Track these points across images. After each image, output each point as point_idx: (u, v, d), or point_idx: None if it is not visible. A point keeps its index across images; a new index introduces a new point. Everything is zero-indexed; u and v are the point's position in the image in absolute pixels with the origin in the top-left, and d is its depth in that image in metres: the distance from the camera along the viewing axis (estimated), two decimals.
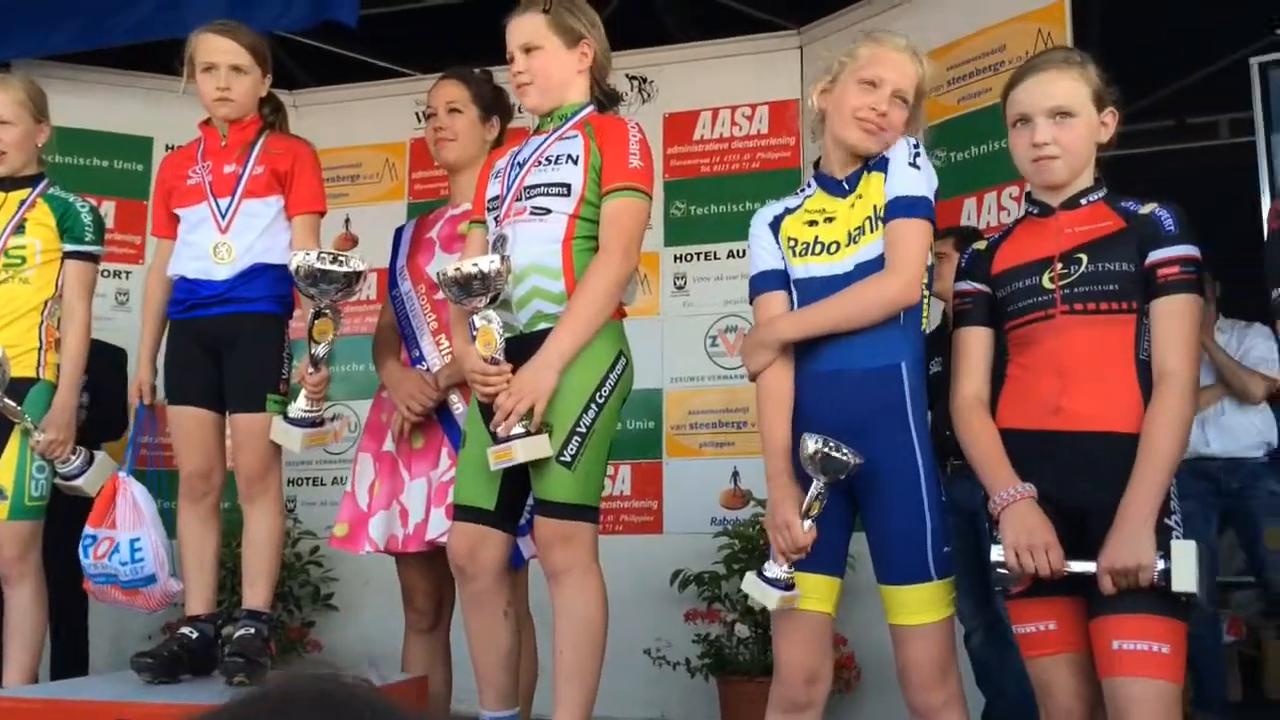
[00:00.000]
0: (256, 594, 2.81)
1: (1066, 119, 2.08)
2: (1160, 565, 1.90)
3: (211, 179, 2.85)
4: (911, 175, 2.15)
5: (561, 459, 2.34)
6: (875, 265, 2.16)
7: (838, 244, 2.20)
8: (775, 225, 2.30)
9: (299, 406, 2.62)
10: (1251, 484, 4.10)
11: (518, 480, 2.42)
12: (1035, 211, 2.17)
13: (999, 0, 4.26)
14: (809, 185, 2.32)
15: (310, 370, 2.61)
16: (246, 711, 0.69)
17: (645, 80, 5.05)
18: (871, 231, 2.17)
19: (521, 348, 2.39)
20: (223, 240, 2.81)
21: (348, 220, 5.30)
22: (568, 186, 2.43)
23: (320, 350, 2.54)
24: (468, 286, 2.31)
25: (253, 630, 2.74)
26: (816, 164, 2.39)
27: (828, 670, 2.23)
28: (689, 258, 5.06)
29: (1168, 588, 1.91)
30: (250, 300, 2.81)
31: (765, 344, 2.21)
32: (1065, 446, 2.03)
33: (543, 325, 2.41)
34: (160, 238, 2.99)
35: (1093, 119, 2.10)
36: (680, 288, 5.11)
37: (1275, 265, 1.97)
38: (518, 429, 2.29)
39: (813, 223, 2.25)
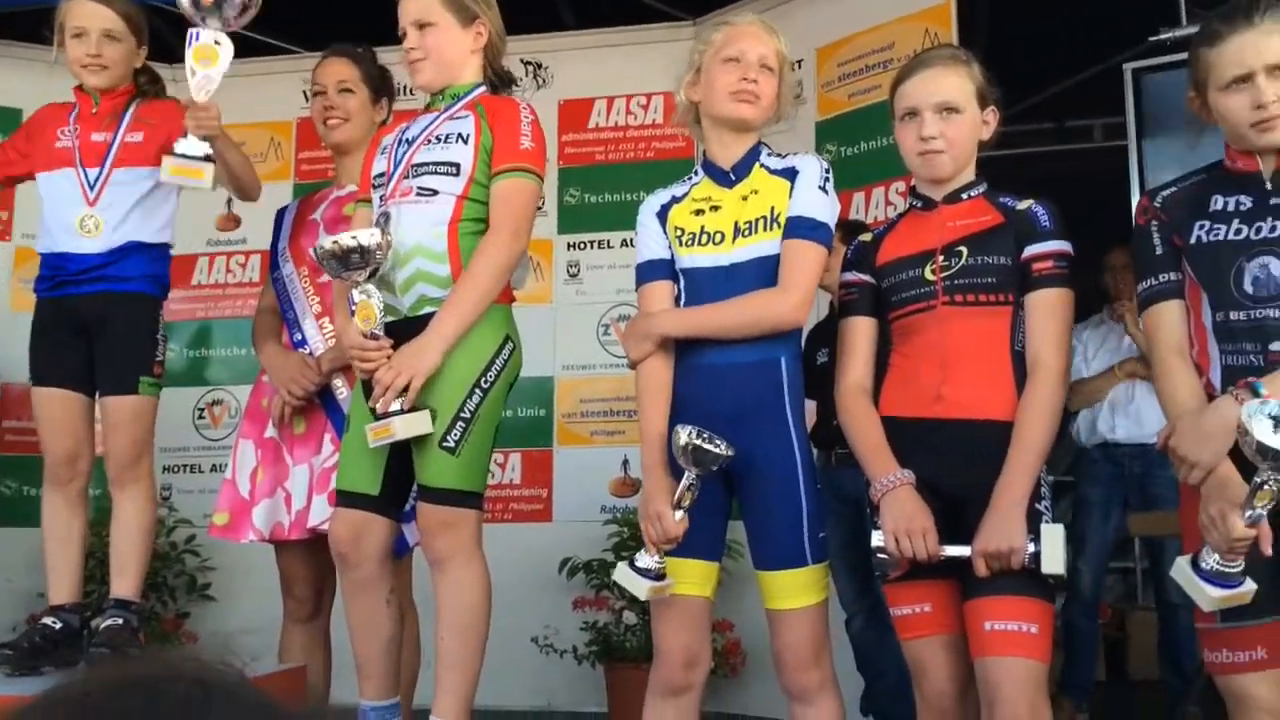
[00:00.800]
0: (125, 583, 2.71)
1: (953, 114, 2.13)
2: (1030, 549, 1.97)
3: (80, 144, 2.73)
4: (818, 199, 2.19)
5: (445, 444, 2.31)
6: (762, 265, 2.18)
7: (723, 234, 2.22)
8: (663, 215, 2.30)
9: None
10: (1155, 470, 4.26)
11: (402, 466, 2.38)
12: (919, 205, 2.22)
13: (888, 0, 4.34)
14: (696, 174, 2.33)
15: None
16: (106, 686, 0.65)
17: (540, 66, 5.01)
18: (765, 231, 2.19)
19: (406, 331, 2.35)
20: (90, 213, 2.69)
21: (229, 200, 5.14)
22: (456, 166, 2.39)
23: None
24: (345, 260, 2.26)
25: (120, 621, 2.64)
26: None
27: (706, 654, 2.25)
28: (582, 245, 5.05)
29: (1037, 570, 1.97)
30: (124, 280, 2.71)
31: (647, 335, 2.21)
32: (945, 433, 2.08)
33: (427, 309, 2.37)
34: None
35: (976, 116, 2.16)
36: (573, 275, 5.09)
37: (1141, 259, 2.05)
38: (396, 405, 2.26)
39: (699, 212, 2.26)
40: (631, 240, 5.00)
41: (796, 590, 2.14)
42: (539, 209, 4.76)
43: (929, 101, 2.13)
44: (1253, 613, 1.87)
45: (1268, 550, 1.74)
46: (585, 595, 4.53)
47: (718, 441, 2.05)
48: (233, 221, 5.11)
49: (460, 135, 2.42)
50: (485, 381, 2.35)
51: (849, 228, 3.91)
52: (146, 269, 2.74)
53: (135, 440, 2.72)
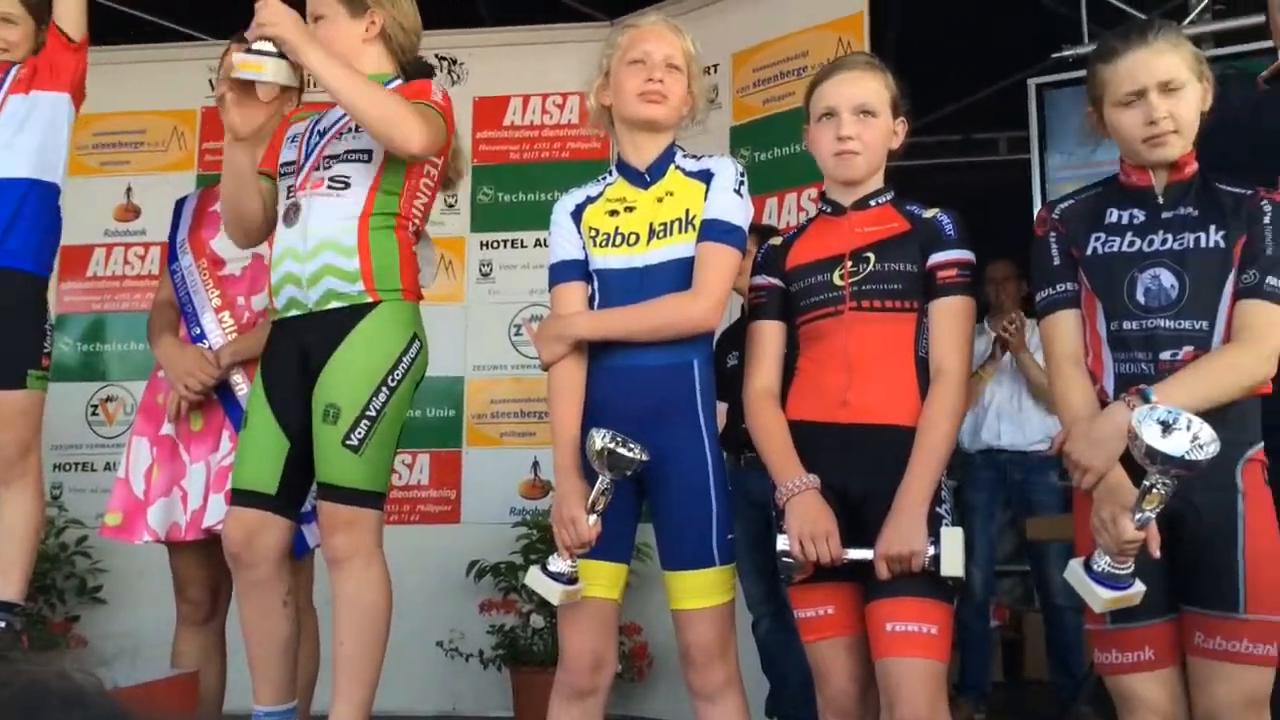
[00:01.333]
0: (8, 585, 2.60)
1: (869, 118, 2.15)
2: (930, 551, 2.00)
3: None
4: (733, 202, 2.20)
5: (348, 442, 2.27)
6: (676, 267, 2.18)
7: (638, 236, 2.21)
8: (577, 214, 2.29)
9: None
10: (1034, 476, 4.38)
11: (301, 464, 2.33)
12: (828, 210, 2.24)
13: (803, 8, 4.40)
14: (610, 174, 2.32)
15: None
16: None
17: (455, 62, 4.96)
18: (680, 233, 2.19)
19: (312, 327, 2.32)
20: None
21: (129, 189, 4.99)
22: (369, 153, 2.36)
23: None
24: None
25: (2, 624, 2.53)
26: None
27: (612, 657, 2.23)
28: (495, 245, 5.00)
29: (937, 573, 2.00)
30: (4, 254, 2.58)
31: (560, 338, 2.20)
32: (851, 438, 2.10)
33: (334, 304, 2.33)
34: None
35: (890, 123, 2.19)
36: (486, 275, 5.04)
37: (1039, 269, 2.09)
38: (270, 46, 2.24)
39: (613, 212, 2.25)
40: (545, 240, 4.97)
41: (704, 590, 2.14)
42: (451, 206, 4.78)
43: (848, 103, 2.15)
44: (1141, 614, 1.91)
45: (1156, 553, 1.79)
46: (493, 598, 4.49)
47: (632, 446, 2.03)
48: (131, 211, 4.96)
49: None
50: (392, 380, 2.31)
51: (762, 232, 3.94)
52: (28, 238, 2.61)
53: (21, 437, 2.61)
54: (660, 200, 2.22)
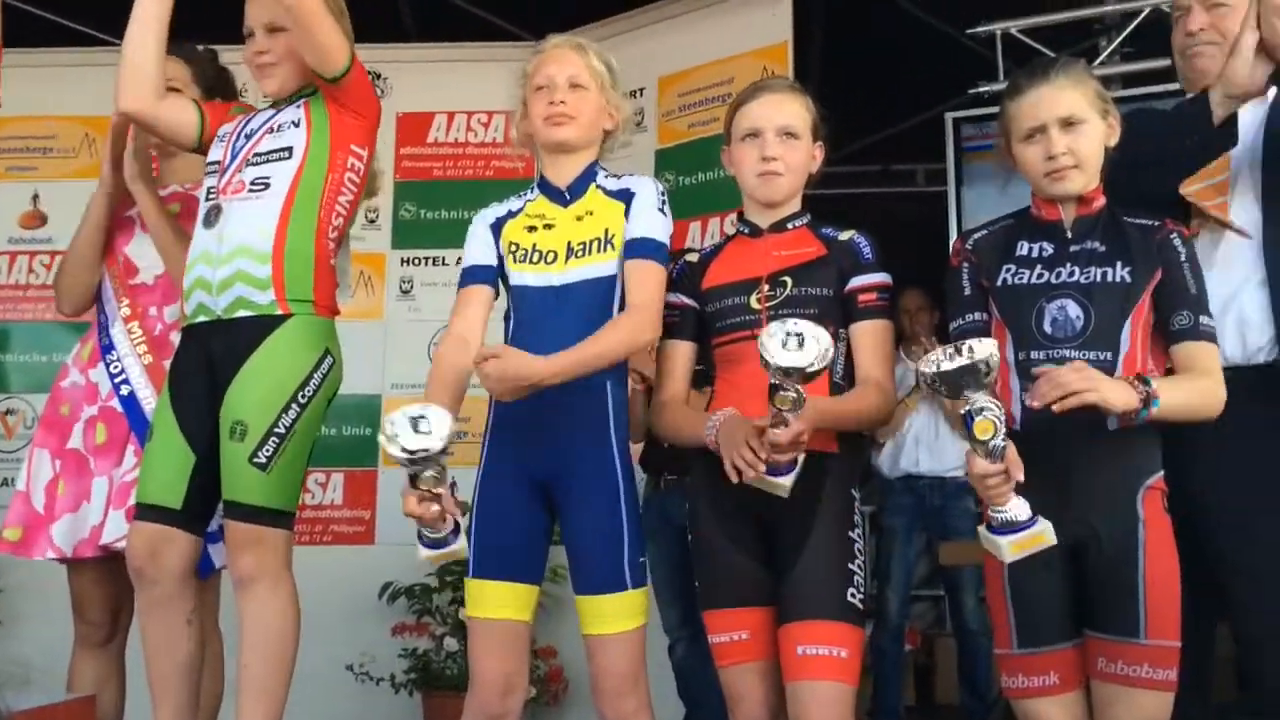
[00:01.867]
0: None
1: (792, 139, 2.18)
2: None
3: None
4: (657, 220, 2.20)
5: (256, 460, 2.22)
6: (593, 286, 2.17)
7: (556, 254, 2.20)
8: (497, 227, 2.28)
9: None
10: (951, 502, 4.47)
11: (208, 480, 2.28)
12: (745, 231, 2.25)
13: (728, 35, 4.45)
14: (532, 191, 2.31)
15: None
16: None
17: (380, 76, 4.90)
18: (599, 253, 2.18)
19: (220, 334, 2.28)
20: None
21: (36, 196, 4.84)
22: (289, 150, 2.34)
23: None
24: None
25: None
26: None
27: (523, 680, 2.21)
28: (417, 262, 4.95)
29: (849, 596, 2.02)
30: None
31: (518, 389, 2.06)
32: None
33: (243, 313, 2.29)
34: None
35: (810, 146, 2.22)
36: (406, 292, 4.99)
37: (951, 299, 2.13)
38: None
39: (532, 228, 2.24)
40: None
41: (615, 615, 2.13)
42: (373, 221, 4.72)
43: (772, 123, 2.17)
44: (1046, 640, 1.96)
45: (1019, 475, 1.81)
46: (406, 621, 4.42)
47: (424, 428, 1.93)
48: (37, 219, 4.80)
49: (293, 121, 2.38)
50: (303, 396, 2.27)
51: (675, 257, 3.97)
52: None
53: None
54: (580, 219, 2.22)
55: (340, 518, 4.74)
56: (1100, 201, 2.03)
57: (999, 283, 2.03)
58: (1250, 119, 2.15)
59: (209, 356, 2.31)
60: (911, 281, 4.61)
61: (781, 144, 2.17)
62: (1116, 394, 1.83)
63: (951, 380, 1.78)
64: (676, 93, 4.58)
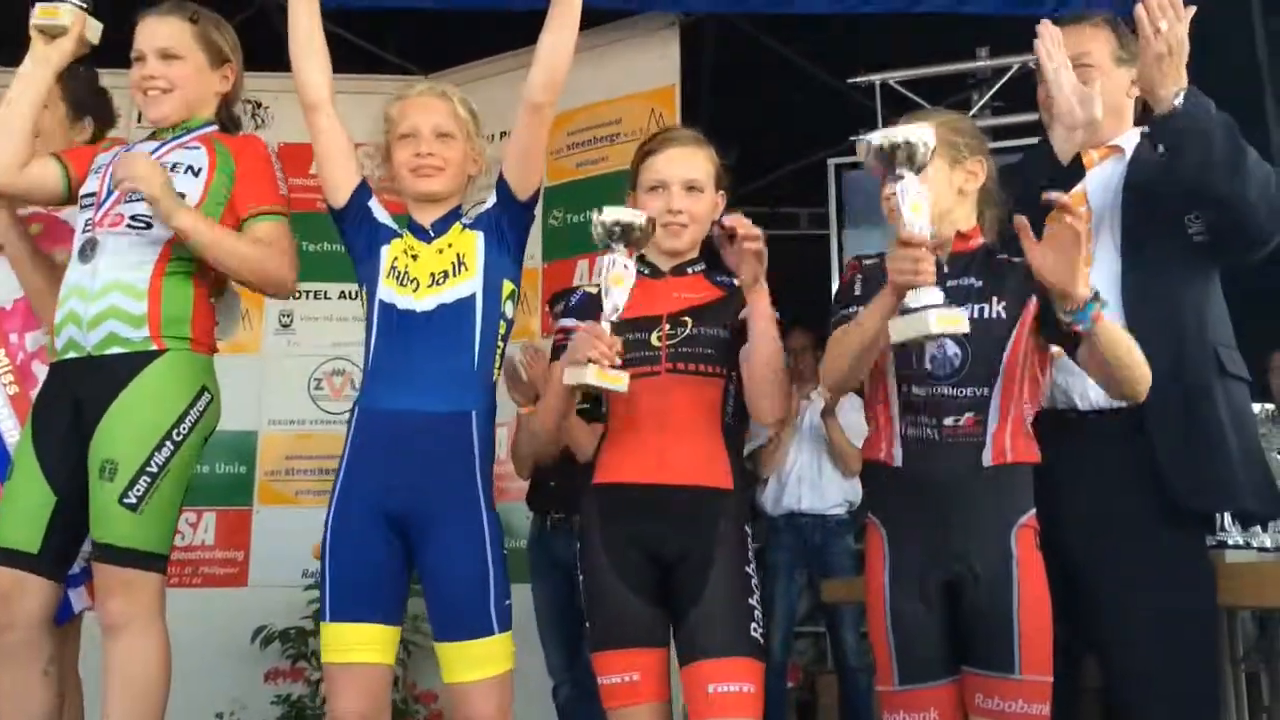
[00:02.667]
0: None
1: (696, 192, 2.22)
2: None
3: None
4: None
5: (126, 500, 2.13)
6: (452, 311, 2.16)
7: (418, 282, 2.18)
8: (392, 233, 2.24)
9: None
10: (832, 540, 4.54)
11: (70, 521, 2.18)
12: (646, 272, 2.27)
13: (617, 77, 4.50)
14: (401, 231, 2.27)
15: None
16: None
17: (260, 105, 4.81)
18: (455, 275, 2.17)
19: (89, 371, 2.19)
20: None
21: None
22: (180, 197, 2.26)
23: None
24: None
25: None
26: None
27: None
28: (297, 295, 4.76)
29: (749, 631, 2.06)
30: None
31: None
32: (667, 498, 2.12)
33: (115, 349, 2.21)
34: None
35: (714, 196, 2.27)
36: (286, 326, 4.87)
37: (841, 295, 2.17)
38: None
39: (402, 252, 2.22)
40: (349, 293, 4.84)
41: (482, 661, 2.07)
42: None
43: (678, 177, 2.21)
44: (925, 676, 1.99)
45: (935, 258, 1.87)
46: (280, 666, 4.28)
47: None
48: None
49: (191, 168, 2.30)
50: (177, 434, 2.20)
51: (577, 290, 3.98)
52: None
53: None
54: (441, 251, 2.21)
55: (212, 558, 4.58)
56: (978, 240, 2.09)
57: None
58: (1110, 172, 2.25)
59: (76, 395, 2.22)
60: (796, 322, 4.70)
61: (686, 197, 2.21)
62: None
63: (886, 156, 1.83)
64: (565, 131, 4.61)
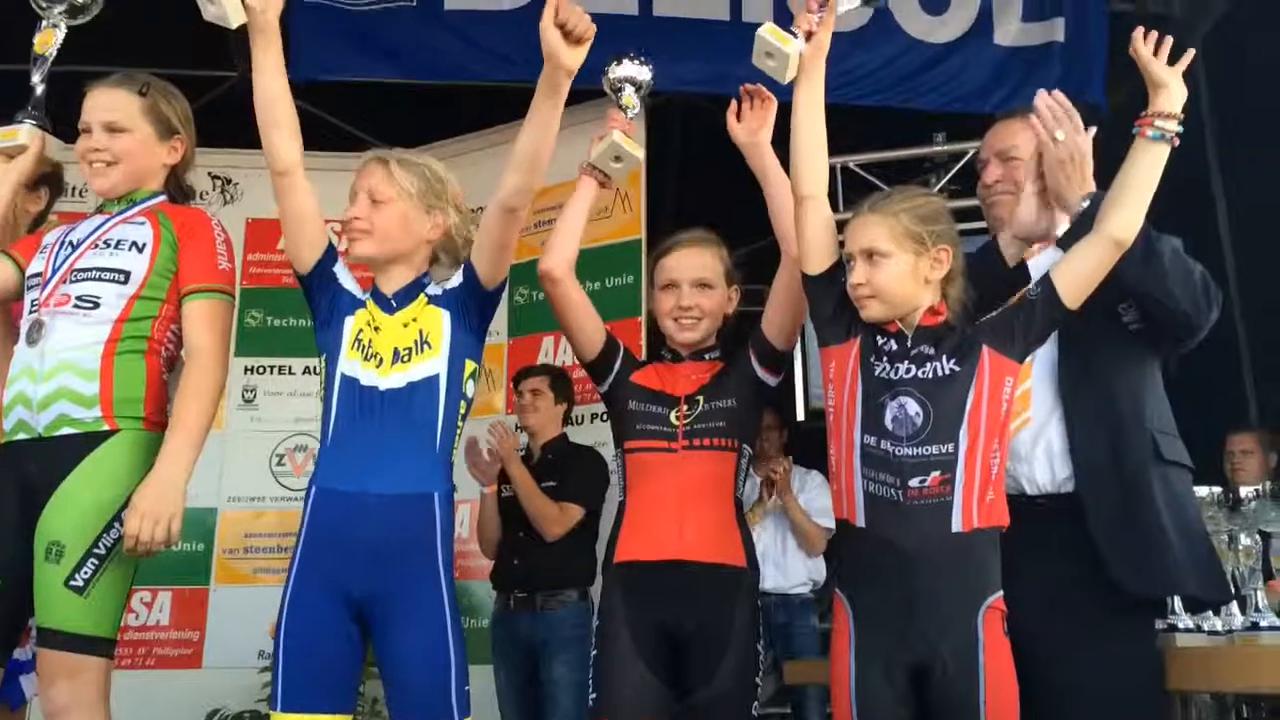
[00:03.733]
0: None
1: (707, 289, 2.36)
2: None
3: None
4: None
5: (72, 583, 2.07)
6: (422, 387, 2.13)
7: (381, 358, 2.15)
8: (357, 302, 2.22)
9: None
10: (797, 619, 4.51)
11: (14, 606, 2.12)
12: (668, 357, 2.40)
13: (578, 156, 4.54)
14: (365, 300, 2.26)
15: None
16: None
17: (229, 181, 4.84)
18: (418, 355, 2.16)
19: (41, 453, 2.14)
20: None
21: None
22: (126, 274, 2.23)
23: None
24: None
25: None
26: None
27: None
28: (261, 370, 4.82)
29: (752, 712, 2.14)
30: None
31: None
32: (685, 576, 2.18)
33: (66, 430, 2.16)
34: None
35: (725, 291, 2.39)
36: (249, 401, 4.84)
37: None
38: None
39: (365, 325, 2.19)
40: (313, 368, 4.84)
41: None
42: None
43: (686, 276, 2.36)
44: None
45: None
46: None
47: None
48: None
49: (135, 243, 2.26)
50: (125, 515, 2.14)
51: (553, 373, 3.99)
52: None
53: None
54: (405, 325, 2.18)
55: (166, 639, 4.49)
56: (943, 317, 2.08)
57: (867, 358, 2.07)
58: (1049, 260, 2.26)
59: (23, 477, 2.17)
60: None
61: (696, 293, 2.35)
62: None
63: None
64: (532, 210, 4.62)
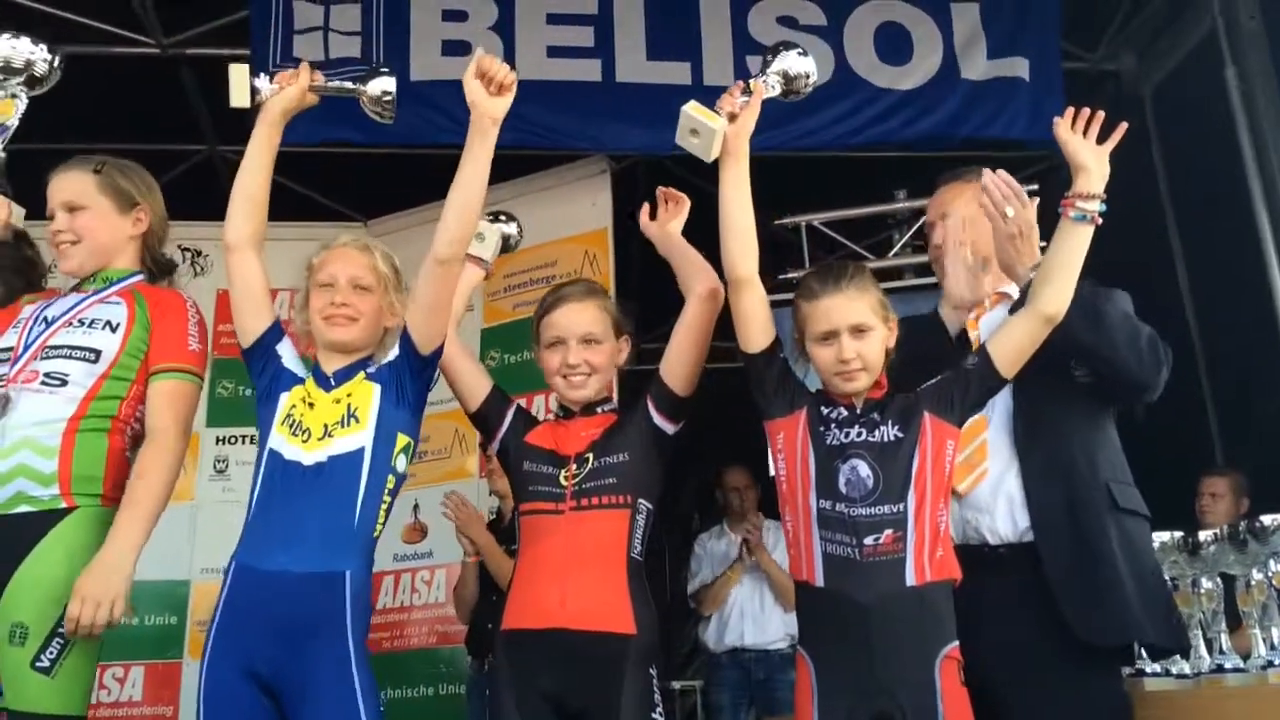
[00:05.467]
0: None
1: (595, 344, 2.30)
2: None
3: None
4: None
5: (39, 664, 2.06)
6: (344, 462, 2.13)
7: (309, 433, 2.16)
8: (295, 379, 2.22)
9: None
10: (777, 674, 4.49)
11: None
12: (561, 415, 2.35)
13: (553, 220, 4.62)
14: (306, 376, 2.26)
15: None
16: None
17: (199, 254, 4.86)
18: (344, 428, 2.15)
19: None
20: None
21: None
22: (96, 354, 2.24)
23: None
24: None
25: None
26: None
27: None
28: (233, 440, 4.81)
29: None
30: None
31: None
32: (569, 644, 2.11)
33: (23, 508, 2.15)
34: None
35: (613, 344, 2.34)
36: (221, 471, 4.82)
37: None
38: None
39: (299, 401, 2.20)
40: None
41: None
42: None
43: (572, 333, 2.29)
44: None
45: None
46: None
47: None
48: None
49: (109, 323, 2.28)
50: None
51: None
52: None
53: None
54: (337, 401, 2.19)
55: (139, 715, 4.40)
56: (885, 389, 2.15)
57: (813, 429, 2.11)
58: (1000, 316, 2.32)
59: None
60: (734, 459, 4.75)
61: (584, 350, 2.29)
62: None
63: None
64: (502, 274, 4.70)
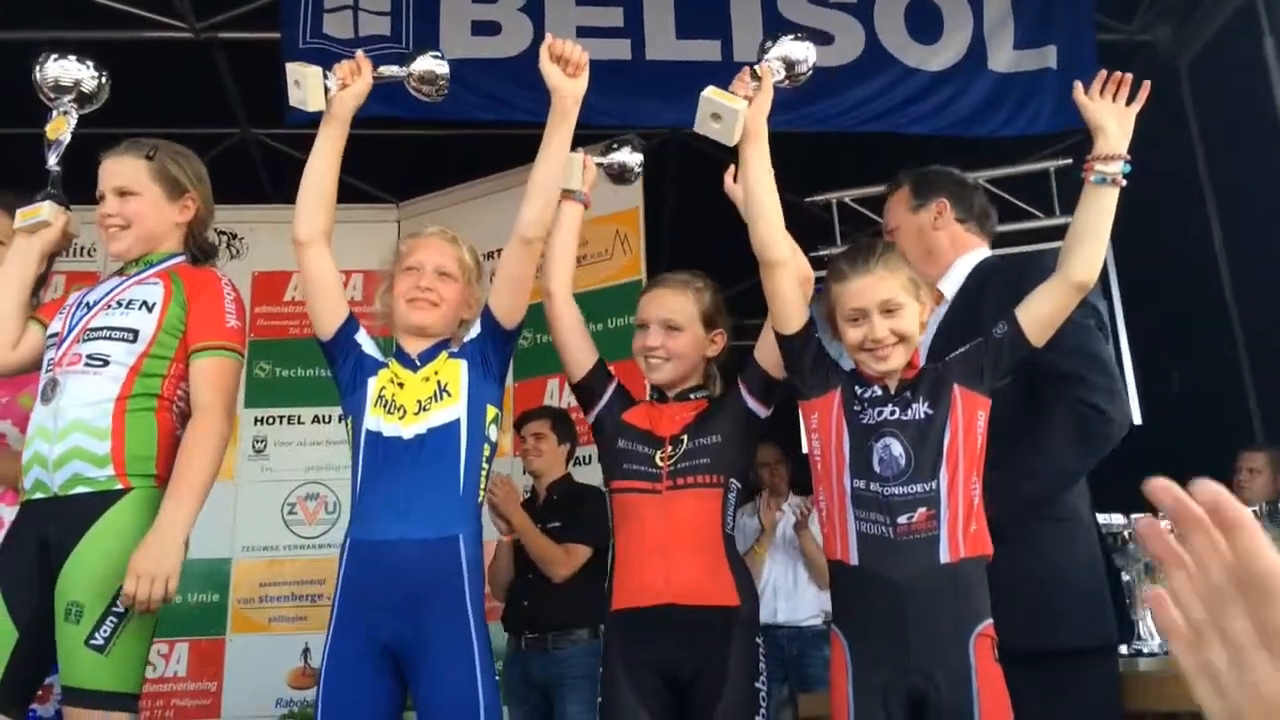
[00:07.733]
0: None
1: (675, 331, 2.35)
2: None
3: None
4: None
5: (93, 642, 2.11)
6: (443, 434, 2.20)
7: (404, 410, 2.22)
8: (379, 364, 2.29)
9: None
10: (810, 651, 4.52)
11: (31, 658, 2.15)
12: (655, 398, 2.41)
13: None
14: (387, 361, 2.33)
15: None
16: None
17: (235, 236, 4.91)
18: (437, 402, 2.22)
19: (56, 512, 2.18)
20: None
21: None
22: (135, 333, 2.28)
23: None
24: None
25: None
26: None
27: None
28: (271, 420, 4.87)
29: None
30: None
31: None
32: (678, 620, 2.18)
33: (80, 489, 2.20)
34: None
35: (700, 334, 2.38)
36: (259, 451, 4.88)
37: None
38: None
39: (388, 382, 2.27)
40: (324, 417, 4.86)
41: None
42: None
43: (654, 317, 2.37)
44: None
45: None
46: None
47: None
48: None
49: (145, 303, 2.32)
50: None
51: (555, 415, 4.04)
52: None
53: None
54: (426, 379, 2.26)
55: (184, 690, 4.50)
56: (917, 370, 2.15)
57: (852, 407, 2.13)
58: (939, 314, 2.36)
59: (41, 536, 2.20)
60: (764, 436, 4.76)
61: (662, 334, 2.35)
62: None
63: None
64: None
